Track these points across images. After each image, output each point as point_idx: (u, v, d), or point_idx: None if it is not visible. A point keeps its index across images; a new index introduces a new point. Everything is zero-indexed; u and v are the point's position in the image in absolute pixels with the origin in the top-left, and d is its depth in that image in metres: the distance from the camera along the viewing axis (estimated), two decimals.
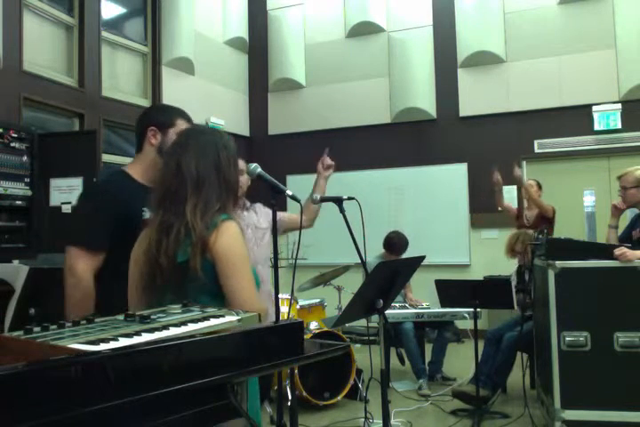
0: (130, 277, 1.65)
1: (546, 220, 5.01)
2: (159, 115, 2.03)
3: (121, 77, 6.22)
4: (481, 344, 3.91)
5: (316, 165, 2.93)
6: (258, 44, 8.00)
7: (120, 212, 1.83)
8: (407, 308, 4.78)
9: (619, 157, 6.35)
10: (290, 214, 3.11)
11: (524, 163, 6.78)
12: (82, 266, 1.82)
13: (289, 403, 3.07)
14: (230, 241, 1.56)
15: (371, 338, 4.65)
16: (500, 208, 5.67)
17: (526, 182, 5.25)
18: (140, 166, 1.98)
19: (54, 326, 1.10)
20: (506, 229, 5.99)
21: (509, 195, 6.76)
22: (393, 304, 4.65)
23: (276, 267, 1.85)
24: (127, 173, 1.97)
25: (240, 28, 7.80)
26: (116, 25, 6.29)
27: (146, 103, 6.40)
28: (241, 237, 1.60)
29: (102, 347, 0.99)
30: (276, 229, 1.85)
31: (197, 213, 1.56)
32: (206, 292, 1.55)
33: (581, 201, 6.50)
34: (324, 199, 2.71)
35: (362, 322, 3.50)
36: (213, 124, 6.67)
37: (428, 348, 4.89)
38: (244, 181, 2.75)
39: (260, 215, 2.94)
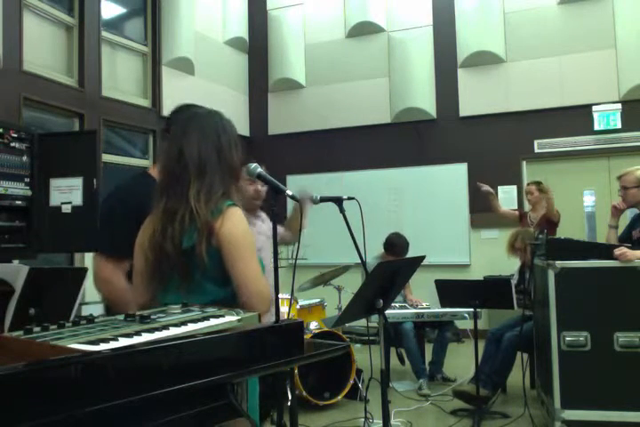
0: (135, 263, 1.65)
1: (551, 222, 5.02)
2: (183, 115, 1.97)
3: (121, 77, 6.22)
4: (481, 344, 3.91)
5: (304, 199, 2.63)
6: (258, 44, 8.00)
7: (141, 215, 1.79)
8: (407, 308, 4.78)
9: (619, 157, 6.34)
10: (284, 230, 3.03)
11: (524, 163, 6.79)
12: (108, 272, 1.84)
13: (289, 403, 3.07)
14: (236, 226, 1.57)
15: (371, 338, 4.65)
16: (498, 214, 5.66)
17: (547, 189, 5.16)
18: None
19: (54, 326, 1.11)
20: (506, 229, 5.98)
21: (509, 195, 6.77)
22: (393, 304, 4.65)
23: (275, 267, 1.84)
24: (150, 175, 1.95)
25: (240, 28, 7.80)
26: (116, 25, 6.29)
27: (146, 103, 6.40)
28: (246, 223, 1.60)
29: (102, 347, 0.99)
30: (276, 230, 1.85)
31: (201, 198, 1.56)
32: (211, 279, 1.56)
33: (581, 201, 6.50)
34: (324, 199, 2.71)
35: (362, 322, 3.50)
36: None
37: (428, 348, 4.89)
38: (263, 190, 2.74)
39: (267, 224, 2.92)
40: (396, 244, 4.82)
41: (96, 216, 3.92)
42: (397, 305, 4.78)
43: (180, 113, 2.01)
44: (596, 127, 6.42)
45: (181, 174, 1.60)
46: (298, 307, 4.37)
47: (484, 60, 6.86)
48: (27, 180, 3.97)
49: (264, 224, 2.84)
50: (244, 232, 1.58)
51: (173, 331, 1.14)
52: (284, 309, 3.79)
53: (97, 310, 2.91)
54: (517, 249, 4.38)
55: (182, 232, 1.55)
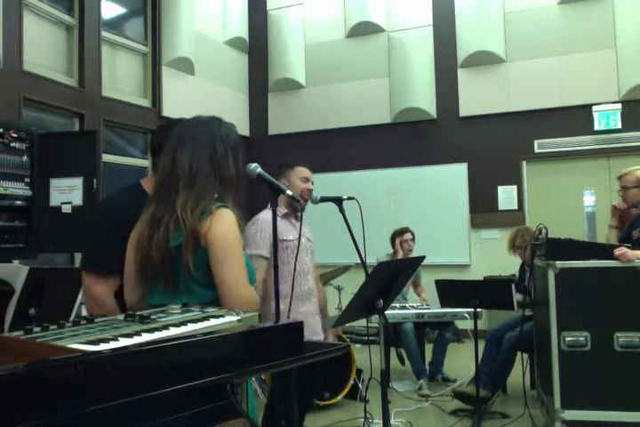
0: (125, 263, 1.65)
1: None
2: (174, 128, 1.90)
3: (121, 77, 6.22)
4: (481, 344, 3.91)
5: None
6: (258, 44, 8.00)
7: (129, 232, 1.75)
8: (407, 308, 4.78)
9: (619, 157, 6.34)
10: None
11: (524, 163, 6.79)
12: (98, 289, 1.79)
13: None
14: (224, 228, 1.55)
15: (371, 338, 4.65)
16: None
17: None
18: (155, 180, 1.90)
19: (54, 326, 1.11)
20: (506, 229, 5.99)
21: (509, 195, 6.77)
22: (393, 305, 4.65)
23: (275, 267, 1.85)
24: (141, 187, 1.91)
25: (240, 28, 7.80)
26: (115, 25, 6.28)
27: (146, 103, 6.40)
28: (235, 225, 1.58)
29: (102, 347, 0.99)
30: (275, 230, 1.85)
31: (188, 207, 1.55)
32: (199, 281, 1.56)
33: (581, 201, 6.50)
34: (324, 199, 2.71)
35: (362, 322, 3.50)
36: None
37: (429, 348, 4.89)
38: (311, 189, 2.77)
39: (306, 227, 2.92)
40: (396, 231, 5.05)
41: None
42: (397, 305, 4.78)
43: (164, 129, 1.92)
44: (596, 127, 6.42)
45: (172, 184, 1.60)
46: None
47: (484, 60, 6.86)
48: (27, 180, 3.97)
49: (305, 228, 2.82)
50: (231, 235, 1.56)
51: (173, 331, 1.14)
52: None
53: None
54: (518, 247, 4.39)
55: (167, 237, 1.55)
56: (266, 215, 2.66)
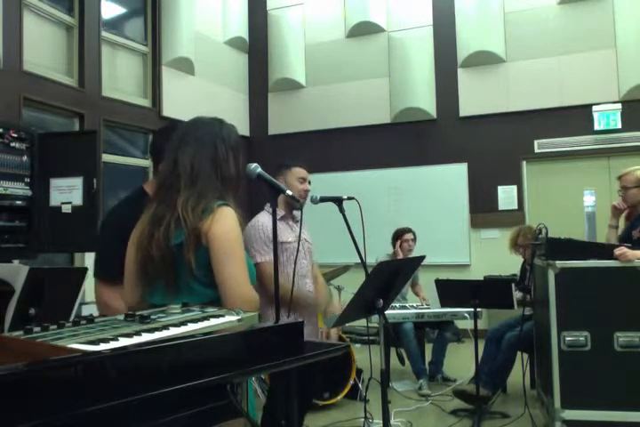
0: (126, 262, 1.66)
1: None
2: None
3: (121, 77, 6.22)
4: (481, 344, 3.91)
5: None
6: (258, 44, 8.00)
7: None
8: (407, 308, 4.78)
9: (619, 157, 6.34)
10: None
11: (524, 163, 6.79)
12: (107, 294, 1.90)
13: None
14: (225, 227, 1.55)
15: (371, 338, 4.64)
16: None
17: None
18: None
19: (54, 326, 1.11)
20: (506, 229, 5.99)
21: (509, 195, 6.77)
22: (393, 304, 4.65)
23: (275, 267, 1.85)
24: (145, 192, 1.94)
25: (240, 28, 7.80)
26: (115, 25, 6.28)
27: (146, 103, 6.40)
28: (236, 224, 1.58)
29: (102, 347, 0.99)
30: (276, 230, 1.85)
31: (189, 206, 1.55)
32: (200, 280, 1.56)
33: (581, 201, 6.49)
34: (324, 199, 2.71)
35: (362, 322, 3.50)
36: None
37: (429, 348, 4.89)
38: (300, 187, 2.76)
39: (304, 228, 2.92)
40: (397, 230, 5.06)
41: (96, 216, 3.93)
42: (397, 305, 4.78)
43: (162, 135, 1.97)
44: (596, 127, 6.42)
45: (173, 183, 1.61)
46: None
47: (484, 60, 6.86)
48: (27, 180, 3.96)
49: (304, 228, 2.81)
50: (232, 233, 1.56)
51: (173, 331, 1.14)
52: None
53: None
54: (520, 246, 4.39)
55: (168, 236, 1.55)
56: (265, 219, 2.66)
